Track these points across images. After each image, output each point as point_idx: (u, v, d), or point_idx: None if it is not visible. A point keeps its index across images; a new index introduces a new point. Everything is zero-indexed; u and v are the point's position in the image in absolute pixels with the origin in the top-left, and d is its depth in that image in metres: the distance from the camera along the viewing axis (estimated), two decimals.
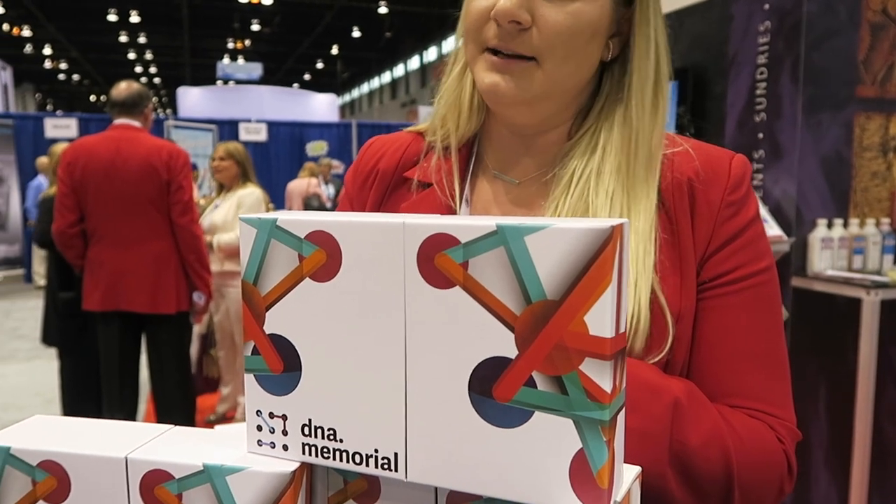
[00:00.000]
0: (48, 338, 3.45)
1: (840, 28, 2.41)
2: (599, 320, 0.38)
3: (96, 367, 3.05)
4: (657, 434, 0.56)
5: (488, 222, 0.40)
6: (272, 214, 0.46)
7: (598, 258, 0.38)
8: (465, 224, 0.41)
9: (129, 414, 3.03)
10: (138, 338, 3.04)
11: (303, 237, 0.45)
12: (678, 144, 0.69)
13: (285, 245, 0.45)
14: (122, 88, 2.94)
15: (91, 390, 3.26)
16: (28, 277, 9.54)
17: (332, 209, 7.74)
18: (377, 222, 0.43)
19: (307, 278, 0.45)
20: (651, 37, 0.66)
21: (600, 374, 0.39)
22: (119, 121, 2.93)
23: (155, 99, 36.32)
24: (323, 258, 0.44)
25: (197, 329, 3.95)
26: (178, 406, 3.13)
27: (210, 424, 3.86)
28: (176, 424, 0.52)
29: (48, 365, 5.02)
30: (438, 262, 0.41)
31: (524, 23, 0.62)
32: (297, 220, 0.45)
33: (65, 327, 3.25)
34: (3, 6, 17.21)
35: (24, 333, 6.42)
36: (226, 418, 3.88)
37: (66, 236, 2.88)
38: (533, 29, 0.63)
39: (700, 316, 0.65)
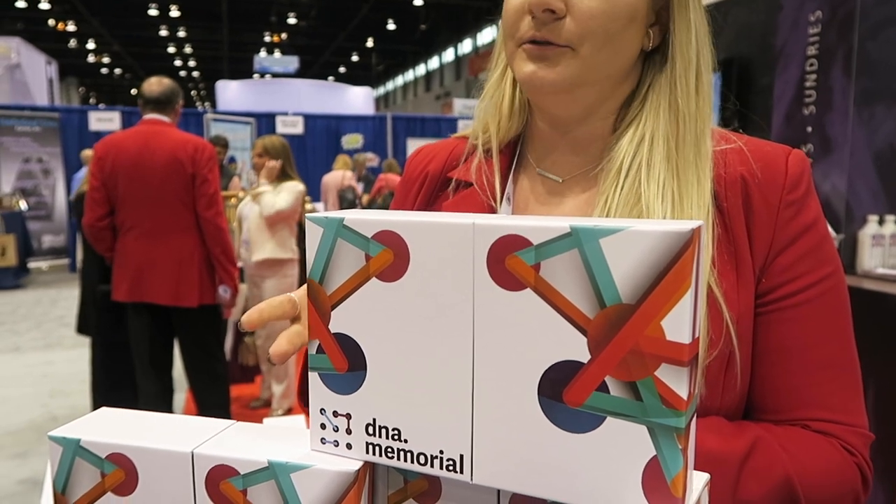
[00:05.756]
0: (83, 328, 3.51)
1: None
2: (677, 325, 0.37)
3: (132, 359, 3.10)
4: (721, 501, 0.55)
5: (562, 223, 0.39)
6: (339, 213, 0.46)
7: (678, 262, 0.37)
8: (537, 225, 0.40)
9: (165, 405, 3.08)
10: (168, 330, 3.07)
11: (370, 237, 0.44)
12: (731, 141, 0.67)
13: (352, 244, 0.45)
14: (155, 85, 2.96)
15: (125, 381, 3.31)
16: (73, 267, 9.81)
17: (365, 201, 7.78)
18: (446, 223, 0.42)
19: (374, 278, 0.45)
20: (691, 21, 0.65)
21: (677, 381, 0.38)
22: (149, 116, 2.96)
23: (194, 92, 36.92)
24: (390, 258, 0.44)
25: (232, 317, 4.01)
26: (212, 396, 3.18)
27: (254, 411, 3.93)
28: (211, 414, 0.53)
29: None
30: (509, 264, 0.41)
31: (558, 11, 0.62)
32: (364, 219, 0.45)
33: (102, 319, 3.31)
34: (48, 2, 17.65)
35: (70, 322, 6.61)
36: (268, 405, 3.94)
37: (95, 229, 2.93)
38: (567, 17, 0.62)
39: (765, 328, 0.63)
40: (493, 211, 0.72)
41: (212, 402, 3.17)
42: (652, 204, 0.62)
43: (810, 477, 0.58)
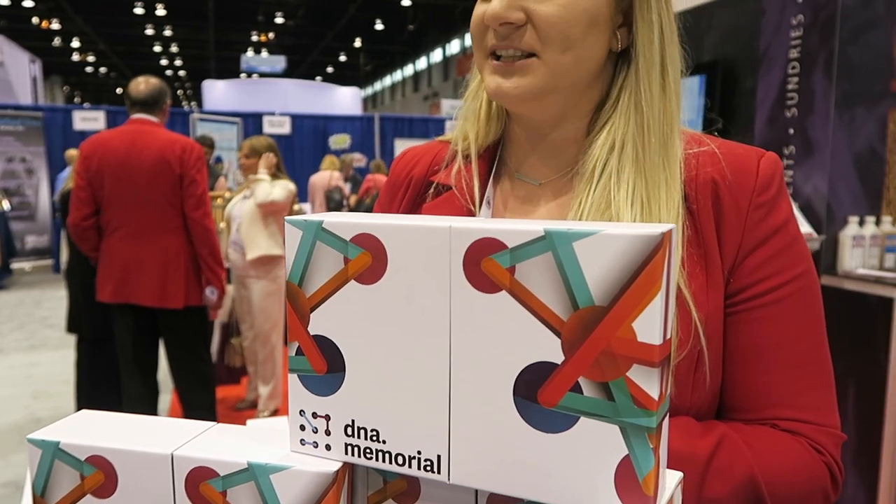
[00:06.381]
0: (73, 327, 3.47)
1: (877, 21, 2.36)
2: (648, 327, 0.38)
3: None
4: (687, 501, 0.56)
5: (536, 227, 0.40)
6: (318, 216, 0.46)
7: (649, 265, 0.38)
8: (512, 229, 0.41)
9: (149, 407, 3.06)
10: (154, 331, 3.04)
11: (348, 240, 0.45)
12: (704, 144, 0.68)
13: (331, 247, 0.46)
14: (142, 85, 2.93)
15: (110, 383, 3.27)
16: (56, 268, 9.71)
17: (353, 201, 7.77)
18: (423, 226, 0.43)
19: (352, 280, 0.45)
20: (654, 21, 0.65)
21: (648, 381, 0.39)
22: (136, 116, 2.94)
23: (180, 92, 36.69)
24: (368, 261, 0.45)
25: (218, 318, 3.99)
26: (197, 397, 3.16)
27: (239, 412, 3.91)
28: (197, 415, 0.53)
29: None
30: (485, 267, 0.41)
31: (516, 21, 0.63)
32: (342, 222, 0.45)
33: (92, 314, 3.27)
34: (32, 0, 17.48)
35: (54, 323, 6.55)
36: (254, 406, 3.93)
37: (80, 229, 2.91)
38: (528, 26, 0.64)
39: (735, 328, 0.64)
40: (472, 214, 0.73)
41: (197, 404, 3.15)
42: (622, 209, 0.63)
43: (775, 475, 0.59)
